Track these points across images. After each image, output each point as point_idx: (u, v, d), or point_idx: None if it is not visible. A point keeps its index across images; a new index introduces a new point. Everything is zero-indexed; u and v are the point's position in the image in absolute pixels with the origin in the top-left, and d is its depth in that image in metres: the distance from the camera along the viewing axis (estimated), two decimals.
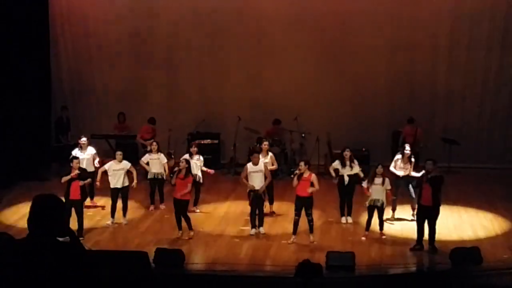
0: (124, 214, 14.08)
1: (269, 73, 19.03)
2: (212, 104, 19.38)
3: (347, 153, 13.95)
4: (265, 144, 14.61)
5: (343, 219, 14.16)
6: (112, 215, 14.01)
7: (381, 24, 18.50)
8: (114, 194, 13.97)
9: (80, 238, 12.73)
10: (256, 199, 13.27)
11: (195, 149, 14.79)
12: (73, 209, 12.71)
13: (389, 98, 18.93)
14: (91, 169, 14.66)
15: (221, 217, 14.52)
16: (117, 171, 13.94)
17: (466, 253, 11.68)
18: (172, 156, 16.02)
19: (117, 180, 13.91)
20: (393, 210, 14.15)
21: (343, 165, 13.97)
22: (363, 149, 18.01)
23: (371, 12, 18.49)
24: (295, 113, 18.03)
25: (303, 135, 17.65)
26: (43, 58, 18.67)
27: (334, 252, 11.68)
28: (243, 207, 15.11)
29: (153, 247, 12.00)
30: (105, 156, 18.68)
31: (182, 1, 19.15)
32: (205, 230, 13.58)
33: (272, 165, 14.46)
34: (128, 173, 14.21)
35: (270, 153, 14.62)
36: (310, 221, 12.85)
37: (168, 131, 18.11)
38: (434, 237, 12.32)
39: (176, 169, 13.31)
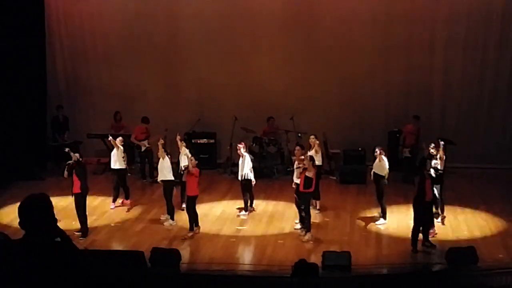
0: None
1: (265, 73, 19.01)
2: (209, 104, 19.35)
3: (376, 151, 14.06)
4: (312, 138, 14.94)
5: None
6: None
7: (378, 24, 18.48)
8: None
9: (79, 234, 12.96)
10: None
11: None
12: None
13: (386, 98, 18.93)
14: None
15: (217, 217, 14.50)
16: None
17: (462, 253, 11.71)
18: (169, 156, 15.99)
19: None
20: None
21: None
22: (359, 149, 18.04)
23: (368, 12, 18.48)
24: (291, 113, 18.04)
25: (299, 134, 17.64)
26: (39, 57, 18.61)
27: (330, 252, 11.69)
28: (239, 206, 15.13)
29: (149, 247, 11.99)
30: (101, 155, 18.74)
31: (178, 2, 19.13)
32: (201, 230, 13.55)
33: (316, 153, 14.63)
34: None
35: (316, 147, 14.78)
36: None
37: (164, 131, 18.09)
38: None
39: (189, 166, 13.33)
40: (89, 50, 19.54)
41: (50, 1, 19.13)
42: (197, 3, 18.99)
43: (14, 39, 17.26)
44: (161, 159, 14.10)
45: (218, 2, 18.97)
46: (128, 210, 15.00)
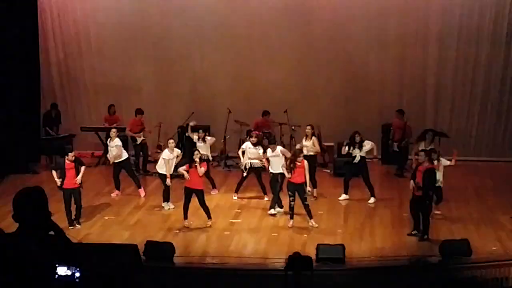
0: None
1: (259, 66, 18.99)
2: (202, 97, 19.32)
3: (357, 138, 14.69)
4: (308, 129, 15.30)
5: (343, 196, 14.96)
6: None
7: (372, 18, 18.49)
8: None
9: (78, 226, 13.31)
10: (272, 182, 14.18)
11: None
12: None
13: (379, 91, 18.94)
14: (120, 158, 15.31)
15: (211, 210, 14.48)
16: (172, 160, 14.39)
17: (456, 245, 11.75)
18: (162, 149, 16.00)
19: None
20: None
21: (353, 147, 14.70)
22: None
23: (362, 6, 18.48)
24: (285, 106, 18.01)
25: (293, 127, 17.65)
26: (32, 52, 18.51)
27: (324, 245, 11.70)
28: (234, 199, 15.14)
29: (143, 240, 11.99)
30: (95, 149, 18.73)
31: None
32: (195, 223, 13.56)
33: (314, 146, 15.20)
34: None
35: (313, 137, 15.30)
36: (307, 206, 13.25)
37: (158, 124, 18.10)
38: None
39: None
40: (82, 43, 19.46)
41: None
42: None
43: (6, 34, 17.16)
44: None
45: None
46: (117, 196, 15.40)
